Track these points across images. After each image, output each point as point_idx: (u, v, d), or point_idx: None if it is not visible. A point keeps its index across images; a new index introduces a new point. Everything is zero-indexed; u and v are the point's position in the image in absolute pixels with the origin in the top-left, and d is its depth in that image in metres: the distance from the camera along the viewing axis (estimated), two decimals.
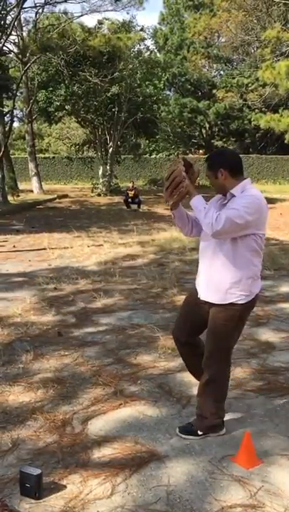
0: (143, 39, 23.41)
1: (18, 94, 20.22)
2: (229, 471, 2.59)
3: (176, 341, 3.08)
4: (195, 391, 3.08)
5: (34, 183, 23.94)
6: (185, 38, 30.55)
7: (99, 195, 23.86)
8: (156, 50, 31.68)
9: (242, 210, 2.58)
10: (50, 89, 21.38)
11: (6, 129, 17.93)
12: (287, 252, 8.75)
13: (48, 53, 18.39)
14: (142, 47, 23.95)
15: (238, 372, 3.75)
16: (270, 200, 18.77)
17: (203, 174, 2.94)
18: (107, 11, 31.22)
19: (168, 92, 34.19)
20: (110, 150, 24.11)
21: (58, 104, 21.53)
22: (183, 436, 2.89)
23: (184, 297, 3.24)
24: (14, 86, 18.29)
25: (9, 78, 19.34)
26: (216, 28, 22.30)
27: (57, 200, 21.61)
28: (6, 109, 20.74)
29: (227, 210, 2.61)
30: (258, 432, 2.95)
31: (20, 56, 19.87)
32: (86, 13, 22.64)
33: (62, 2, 19.67)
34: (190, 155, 35.93)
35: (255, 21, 21.45)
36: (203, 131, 34.49)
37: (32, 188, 23.98)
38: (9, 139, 20.39)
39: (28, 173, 25.80)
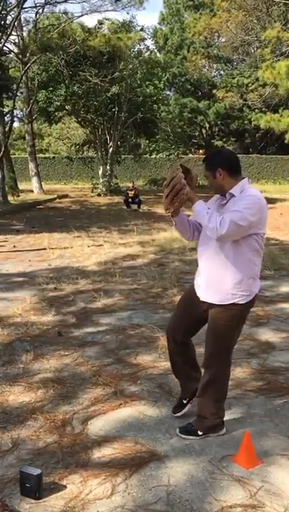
0: (143, 39, 23.43)
1: (18, 94, 20.22)
2: (229, 471, 2.59)
3: (171, 340, 3.03)
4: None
5: (34, 183, 23.94)
6: (185, 38, 30.52)
7: (99, 195, 23.86)
8: (156, 50, 31.67)
9: (244, 211, 2.57)
10: (50, 89, 21.38)
11: (6, 129, 17.94)
12: (287, 252, 8.75)
13: (48, 53, 18.39)
14: (142, 47, 23.98)
15: (238, 372, 3.75)
16: (270, 200, 18.78)
17: (202, 175, 2.94)
18: (107, 11, 31.27)
19: (168, 92, 34.18)
20: (110, 150, 24.11)
21: (58, 104, 21.52)
22: (183, 436, 2.89)
23: None
24: (14, 86, 18.29)
25: (9, 78, 19.31)
26: (216, 28, 22.28)
27: (57, 200, 21.61)
28: (6, 109, 20.74)
29: (230, 213, 2.60)
30: (258, 432, 2.95)
31: (20, 56, 19.88)
32: (86, 13, 22.57)
33: (62, 2, 19.67)
34: (190, 155, 35.94)
35: (255, 21, 21.44)
36: (204, 131, 34.47)
37: (32, 188, 23.99)
38: (9, 139, 20.39)
39: (28, 173, 25.80)
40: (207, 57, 31.47)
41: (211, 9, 25.14)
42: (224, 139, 35.31)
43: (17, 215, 15.42)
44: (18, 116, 30.29)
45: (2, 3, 16.28)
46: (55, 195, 22.51)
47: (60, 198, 22.12)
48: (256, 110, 27.14)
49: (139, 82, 22.82)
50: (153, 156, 35.55)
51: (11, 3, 17.29)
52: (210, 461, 2.68)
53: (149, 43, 33.81)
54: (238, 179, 2.74)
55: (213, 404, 2.88)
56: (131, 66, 21.79)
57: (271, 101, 24.56)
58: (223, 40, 27.76)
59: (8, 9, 17.00)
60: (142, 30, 23.38)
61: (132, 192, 17.32)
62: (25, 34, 20.57)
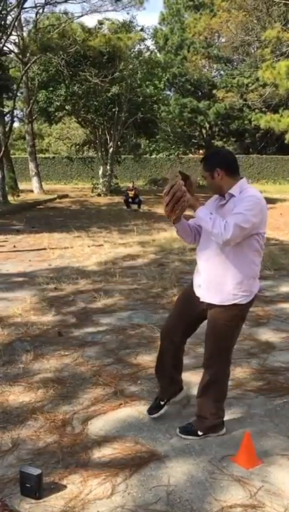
0: (143, 39, 23.42)
1: (18, 94, 20.21)
2: (229, 471, 2.59)
3: (166, 340, 2.98)
4: (195, 391, 3.08)
5: (34, 183, 23.95)
6: (185, 38, 30.50)
7: (99, 195, 23.86)
8: (156, 50, 31.66)
9: (247, 213, 2.57)
10: (51, 89, 21.37)
11: (7, 129, 17.93)
12: (287, 252, 8.75)
13: (48, 53, 18.37)
14: (142, 47, 23.96)
15: (238, 372, 3.75)
16: (270, 200, 18.80)
17: (198, 174, 2.94)
18: (107, 11, 31.20)
19: (168, 92, 34.18)
20: (110, 150, 24.11)
21: (58, 104, 21.52)
22: (183, 436, 2.89)
23: None
24: (14, 86, 18.29)
25: (9, 78, 19.32)
26: (216, 28, 22.28)
27: (57, 200, 21.61)
28: (6, 109, 20.75)
29: (232, 216, 2.59)
30: (258, 431, 2.95)
31: (20, 56, 19.87)
32: (86, 14, 22.58)
33: (62, 2, 19.66)
34: (190, 155, 35.94)
35: (256, 21, 21.44)
36: (204, 131, 34.47)
37: (32, 188, 24.00)
38: (9, 139, 20.39)
39: (28, 173, 25.80)
40: (207, 58, 31.48)
41: (211, 9, 25.13)
42: (224, 139, 35.32)
43: (17, 215, 15.42)
44: (18, 116, 30.29)
45: (2, 3, 16.28)
46: (56, 195, 22.51)
47: (60, 198, 22.12)
48: (256, 110, 27.13)
49: (139, 82, 22.81)
50: (153, 156, 35.55)
51: (11, 3, 17.30)
52: (210, 461, 2.68)
53: (149, 43, 33.85)
54: (236, 179, 2.74)
55: (213, 405, 2.88)
56: (131, 66, 21.79)
57: (271, 101, 24.56)
58: (224, 40, 27.77)
59: (9, 9, 17.00)
60: (142, 30, 23.38)
61: (132, 192, 17.32)
62: (25, 34, 20.56)
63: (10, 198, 19.10)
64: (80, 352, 4.19)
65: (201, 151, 36.19)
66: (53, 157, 36.11)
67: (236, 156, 3.53)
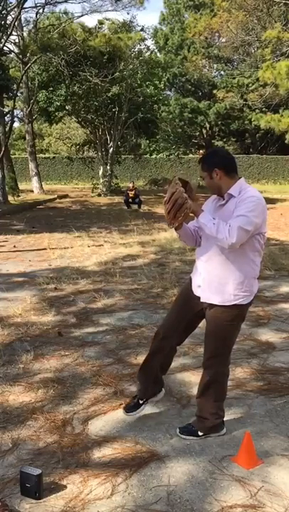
0: (143, 39, 23.38)
1: (18, 94, 20.23)
2: (229, 471, 2.59)
3: (164, 341, 2.95)
4: (195, 391, 3.08)
5: (34, 183, 23.96)
6: (185, 38, 30.50)
7: (99, 195, 23.86)
8: (156, 50, 31.68)
9: (249, 215, 2.56)
10: (51, 89, 21.37)
11: (7, 129, 17.94)
12: (288, 253, 8.74)
13: (48, 53, 18.39)
14: (142, 47, 23.92)
15: (239, 372, 3.75)
16: (271, 201, 18.81)
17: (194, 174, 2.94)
18: (107, 11, 31.32)
19: (168, 92, 34.21)
20: (111, 150, 24.11)
21: (59, 104, 21.51)
22: (183, 436, 2.89)
23: None
24: (15, 86, 18.29)
25: (9, 78, 19.27)
26: (216, 28, 22.30)
27: (57, 200, 21.61)
28: (6, 109, 20.74)
29: (235, 218, 2.57)
30: (258, 432, 2.95)
31: (20, 56, 19.89)
32: (86, 13, 22.70)
33: (62, 2, 19.68)
34: (190, 155, 35.94)
35: (256, 21, 21.44)
36: (204, 131, 34.49)
37: (32, 188, 24.01)
38: (9, 139, 20.39)
39: (28, 173, 25.81)
40: (207, 58, 31.50)
41: (211, 9, 25.17)
42: (224, 139, 35.33)
43: (17, 215, 15.43)
44: (19, 116, 30.26)
45: (2, 3, 16.28)
46: (56, 196, 22.52)
47: (60, 198, 22.13)
48: (256, 110, 27.13)
49: (139, 82, 22.81)
50: (153, 156, 35.57)
51: (11, 3, 17.32)
52: (210, 461, 2.68)
53: (150, 43, 33.87)
54: (234, 179, 2.73)
55: (213, 405, 2.88)
56: (131, 66, 21.78)
57: (271, 101, 24.52)
58: (224, 40, 27.74)
59: (9, 9, 17.01)
60: (142, 30, 23.38)
61: (132, 192, 17.32)
62: (25, 34, 20.59)
63: (10, 198, 19.10)
64: (80, 352, 4.19)
65: (201, 151, 36.19)
66: (53, 157, 36.12)
67: (236, 156, 3.54)
